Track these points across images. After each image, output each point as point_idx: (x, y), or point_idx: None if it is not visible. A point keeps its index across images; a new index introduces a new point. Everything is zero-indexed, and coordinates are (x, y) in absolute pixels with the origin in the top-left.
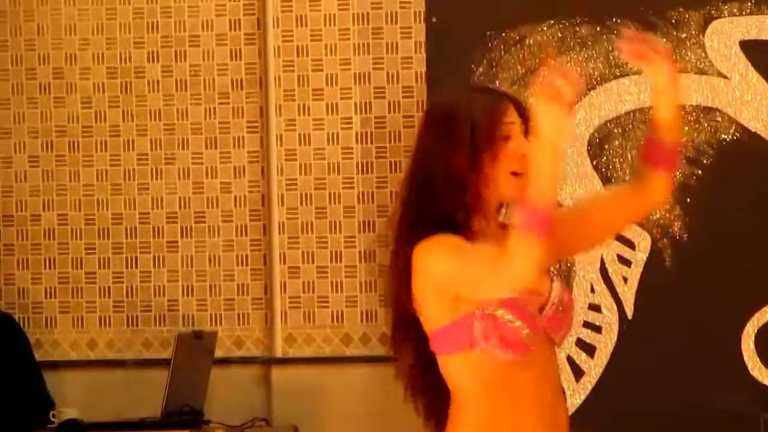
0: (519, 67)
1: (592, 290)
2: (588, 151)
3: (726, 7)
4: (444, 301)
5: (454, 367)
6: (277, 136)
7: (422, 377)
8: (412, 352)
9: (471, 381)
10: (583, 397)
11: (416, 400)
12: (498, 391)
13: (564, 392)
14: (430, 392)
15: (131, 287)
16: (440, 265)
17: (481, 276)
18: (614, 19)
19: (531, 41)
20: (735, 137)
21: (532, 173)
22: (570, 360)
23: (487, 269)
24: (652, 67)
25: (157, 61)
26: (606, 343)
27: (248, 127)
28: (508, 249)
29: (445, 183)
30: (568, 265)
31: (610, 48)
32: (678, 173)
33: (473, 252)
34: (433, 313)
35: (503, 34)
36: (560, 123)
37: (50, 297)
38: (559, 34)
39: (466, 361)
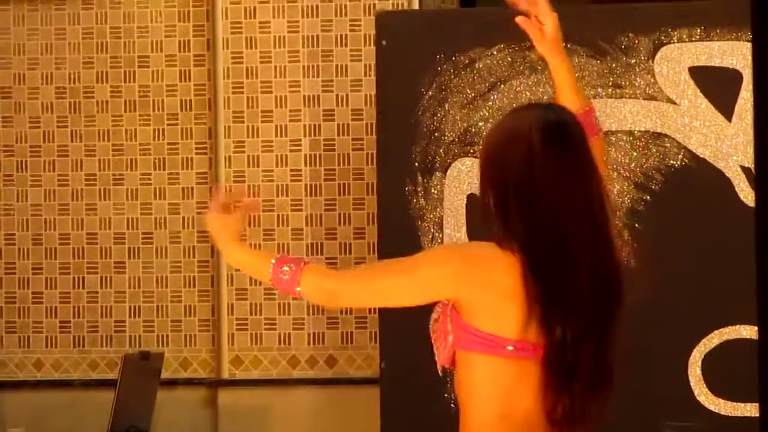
0: (468, 91)
1: None
2: None
3: (675, 33)
4: None
5: None
6: (225, 157)
7: None
8: None
9: None
10: None
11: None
12: None
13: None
14: None
15: (78, 308)
16: None
17: None
18: (564, 44)
19: (480, 65)
20: (683, 163)
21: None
22: None
23: None
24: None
25: (107, 81)
26: None
27: (197, 148)
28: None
29: None
30: None
31: None
32: (626, 198)
33: None
34: None
35: (453, 58)
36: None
37: None
38: (509, 59)
39: None
